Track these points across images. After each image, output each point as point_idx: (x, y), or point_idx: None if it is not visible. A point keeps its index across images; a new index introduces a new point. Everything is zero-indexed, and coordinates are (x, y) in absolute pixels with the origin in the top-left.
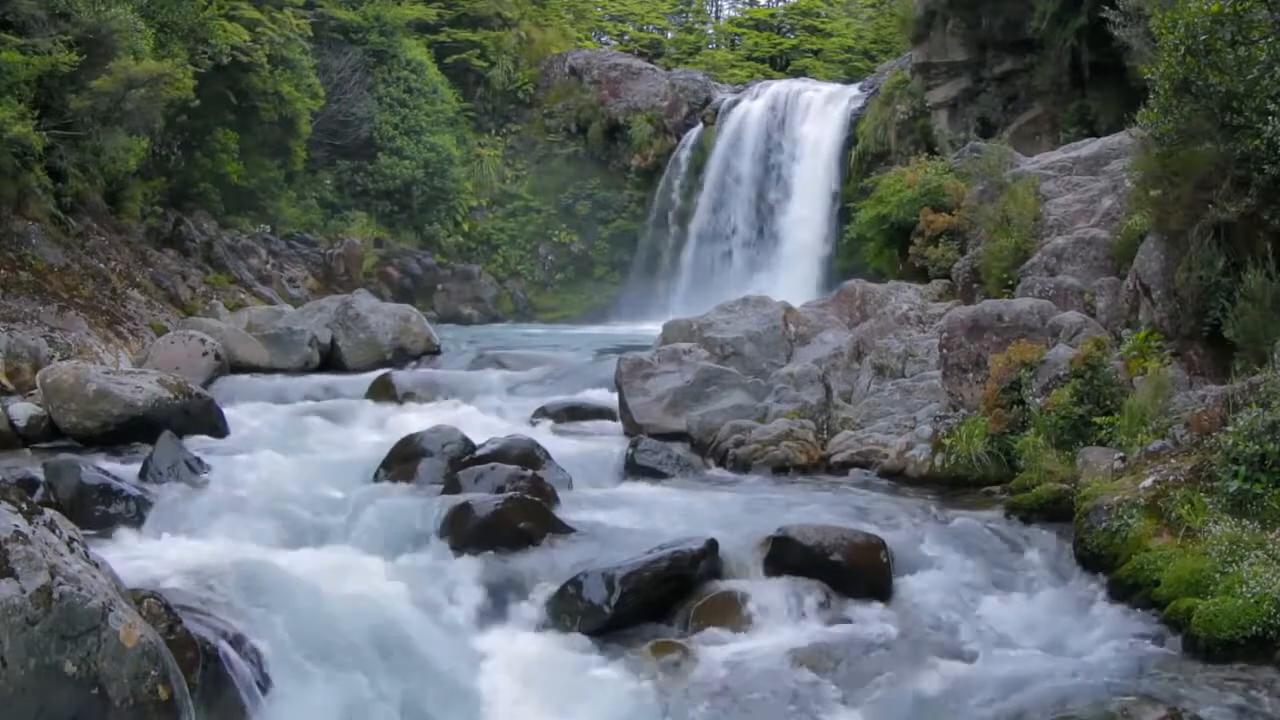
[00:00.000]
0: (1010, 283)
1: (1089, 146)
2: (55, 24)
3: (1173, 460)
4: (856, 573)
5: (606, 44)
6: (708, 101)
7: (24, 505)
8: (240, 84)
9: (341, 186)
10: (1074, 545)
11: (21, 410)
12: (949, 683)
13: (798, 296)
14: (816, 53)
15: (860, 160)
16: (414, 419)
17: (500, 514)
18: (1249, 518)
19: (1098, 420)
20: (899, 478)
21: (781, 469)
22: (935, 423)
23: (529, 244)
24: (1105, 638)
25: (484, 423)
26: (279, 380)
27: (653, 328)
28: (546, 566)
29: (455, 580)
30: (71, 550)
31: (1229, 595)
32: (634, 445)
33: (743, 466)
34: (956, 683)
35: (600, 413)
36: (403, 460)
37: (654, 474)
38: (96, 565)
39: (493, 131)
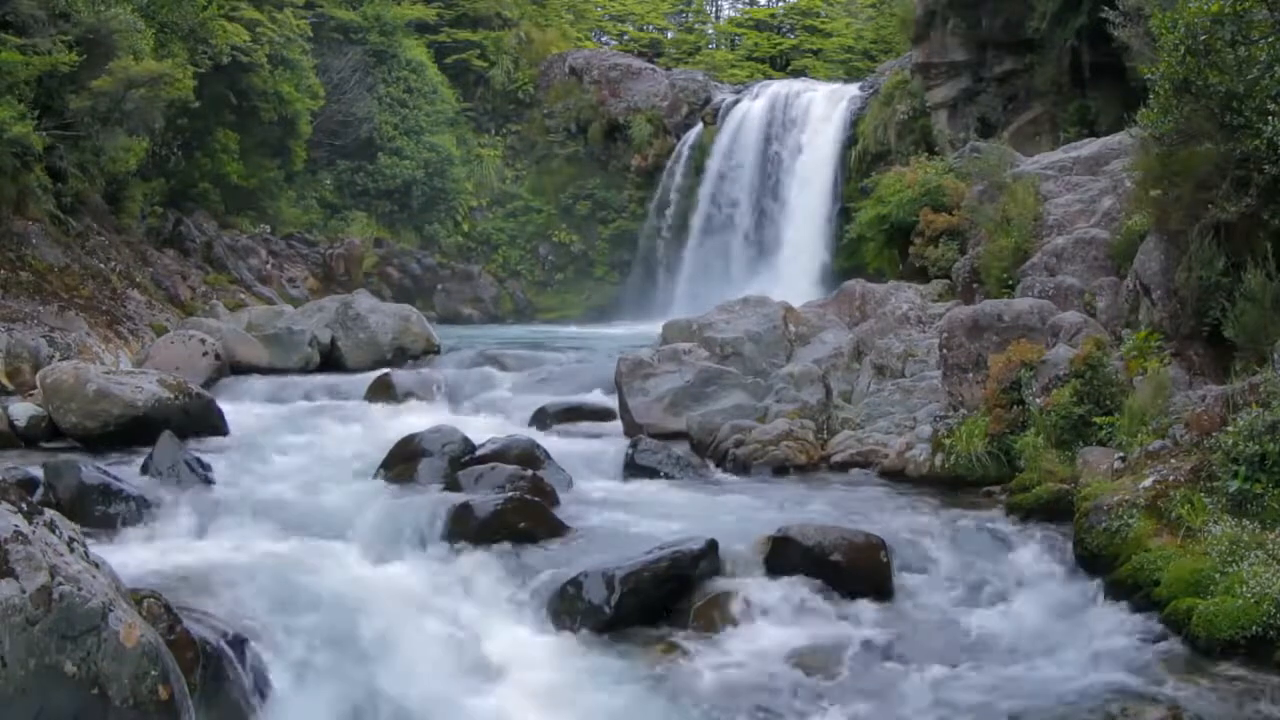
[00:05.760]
0: (1010, 283)
1: (1089, 146)
2: (55, 24)
3: (1173, 460)
4: (857, 573)
5: (606, 44)
6: (708, 101)
7: (24, 505)
8: (240, 84)
9: (341, 186)
10: (1074, 545)
11: (21, 410)
12: (949, 682)
13: (798, 296)
14: (816, 53)
15: (860, 160)
16: (414, 419)
17: (500, 514)
18: (1249, 518)
19: (1098, 420)
20: (899, 478)
21: (781, 469)
22: (935, 423)
23: (529, 244)
24: (1105, 638)
25: (484, 423)
26: (279, 380)
27: (653, 328)
28: (546, 566)
29: (455, 580)
30: (71, 550)
31: (1229, 595)
32: (634, 445)
33: (743, 466)
34: (956, 682)
35: (600, 413)
36: (403, 460)
37: (654, 474)
38: (96, 565)
39: (493, 131)
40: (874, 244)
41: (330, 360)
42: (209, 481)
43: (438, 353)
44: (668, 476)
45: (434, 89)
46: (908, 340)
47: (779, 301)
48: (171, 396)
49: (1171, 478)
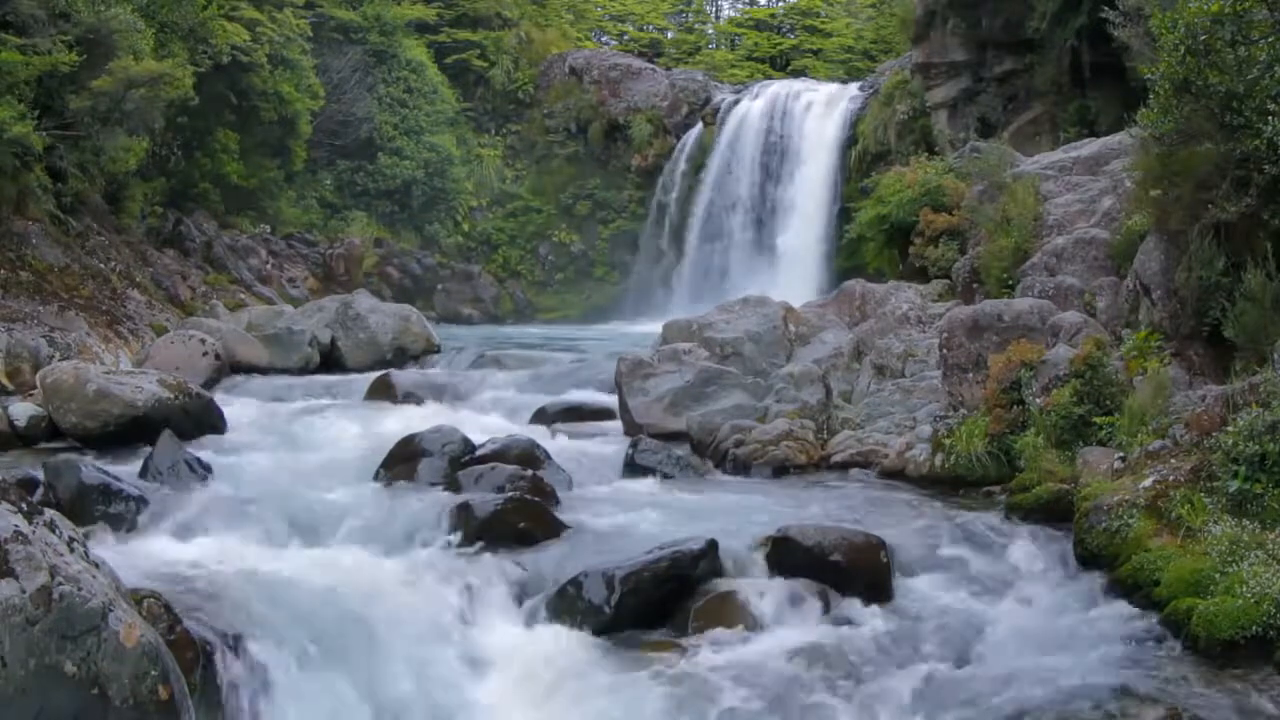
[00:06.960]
0: (1010, 283)
1: (1089, 146)
2: (55, 24)
3: (1173, 460)
4: (856, 573)
5: (606, 44)
6: (708, 101)
7: (24, 505)
8: (240, 84)
9: (341, 186)
10: (1074, 545)
11: (21, 410)
12: (949, 683)
13: (798, 296)
14: (816, 53)
15: (860, 160)
16: (414, 419)
17: (500, 514)
18: (1249, 518)
19: (1098, 420)
20: (899, 478)
21: (781, 469)
22: (935, 423)
23: (529, 244)
24: (1105, 638)
25: (484, 423)
26: (279, 380)
27: (653, 328)
28: (546, 566)
29: (454, 580)
30: (71, 550)
31: (1229, 595)
32: (634, 445)
33: (743, 467)
34: (956, 683)
35: (600, 413)
36: (403, 460)
37: (654, 474)
38: (96, 565)
39: (493, 131)
40: (874, 244)
41: (330, 360)
42: (208, 481)
43: (438, 353)
44: (668, 476)
45: (434, 89)
46: (908, 340)
47: (779, 301)
48: (171, 396)
49: (1171, 478)
